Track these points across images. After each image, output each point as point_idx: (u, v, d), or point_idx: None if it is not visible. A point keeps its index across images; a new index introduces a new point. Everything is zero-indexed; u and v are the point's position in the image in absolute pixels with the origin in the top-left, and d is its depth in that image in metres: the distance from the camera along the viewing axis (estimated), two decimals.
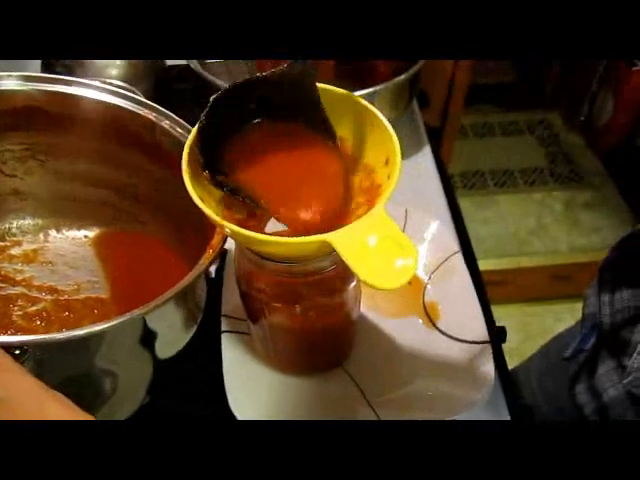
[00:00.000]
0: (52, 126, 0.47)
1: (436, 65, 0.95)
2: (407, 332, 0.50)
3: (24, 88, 0.44)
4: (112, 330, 0.32)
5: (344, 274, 0.39)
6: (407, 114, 0.73)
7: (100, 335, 0.33)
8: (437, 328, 0.50)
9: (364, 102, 0.36)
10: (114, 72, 0.63)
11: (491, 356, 0.46)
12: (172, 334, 0.40)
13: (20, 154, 0.49)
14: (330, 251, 0.31)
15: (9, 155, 0.49)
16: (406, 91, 0.64)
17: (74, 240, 0.54)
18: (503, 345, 0.51)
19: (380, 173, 0.36)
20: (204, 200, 0.32)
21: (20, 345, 0.30)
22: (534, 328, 1.26)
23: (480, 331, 0.48)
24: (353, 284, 0.41)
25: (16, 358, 0.30)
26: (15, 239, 0.52)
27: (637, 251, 0.45)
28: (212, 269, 0.56)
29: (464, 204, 1.56)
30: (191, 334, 0.45)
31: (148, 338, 0.38)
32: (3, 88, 0.44)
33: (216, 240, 0.40)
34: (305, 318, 0.41)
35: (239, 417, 0.44)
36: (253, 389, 0.46)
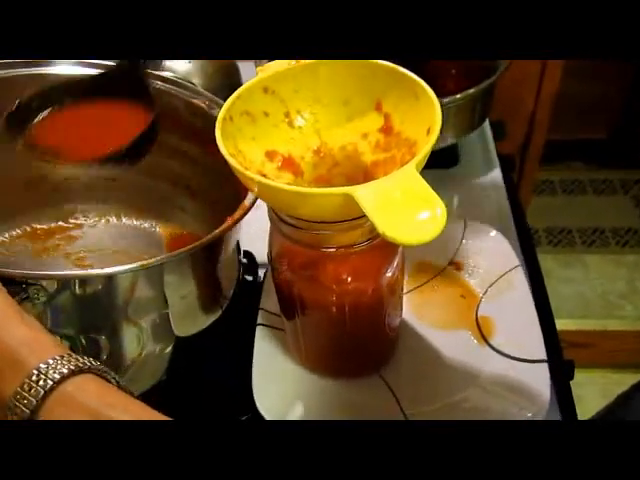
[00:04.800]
0: None
1: (516, 100, 0.92)
2: (455, 345, 0.45)
3: (86, 73, 0.47)
4: (119, 276, 0.32)
5: (379, 257, 0.37)
6: (479, 137, 0.70)
7: (106, 279, 0.33)
8: (489, 344, 0.45)
9: (410, 74, 0.34)
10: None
11: (548, 376, 0.41)
12: (189, 305, 0.39)
13: None
14: (358, 213, 0.29)
15: None
16: (474, 108, 0.62)
17: (135, 228, 0.55)
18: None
19: (421, 145, 0.34)
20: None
21: (21, 277, 0.30)
22: None
23: (537, 350, 0.43)
24: (389, 274, 0.38)
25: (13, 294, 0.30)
26: (77, 222, 0.54)
27: None
28: (260, 274, 0.56)
29: (548, 261, 1.47)
30: (212, 318, 0.44)
31: (163, 299, 0.37)
32: (67, 73, 0.47)
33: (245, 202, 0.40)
34: (337, 308, 0.39)
35: (262, 411, 0.41)
36: (281, 385, 0.43)
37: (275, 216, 0.35)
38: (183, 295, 0.40)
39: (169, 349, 0.40)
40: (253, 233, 0.47)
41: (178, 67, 0.63)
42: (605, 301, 1.37)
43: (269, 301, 0.48)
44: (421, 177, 0.28)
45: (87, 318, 0.35)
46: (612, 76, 1.49)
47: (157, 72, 0.49)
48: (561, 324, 1.48)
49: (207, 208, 0.53)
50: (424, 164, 0.30)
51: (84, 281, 0.34)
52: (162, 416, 0.26)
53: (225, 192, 0.47)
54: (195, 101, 0.48)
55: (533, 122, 0.93)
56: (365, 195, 0.27)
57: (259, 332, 0.46)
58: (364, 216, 0.28)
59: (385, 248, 0.37)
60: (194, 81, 0.66)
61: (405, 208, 0.26)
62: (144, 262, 0.34)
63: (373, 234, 0.35)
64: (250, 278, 0.56)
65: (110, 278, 0.35)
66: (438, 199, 0.26)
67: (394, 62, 0.36)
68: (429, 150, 0.30)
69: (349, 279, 0.37)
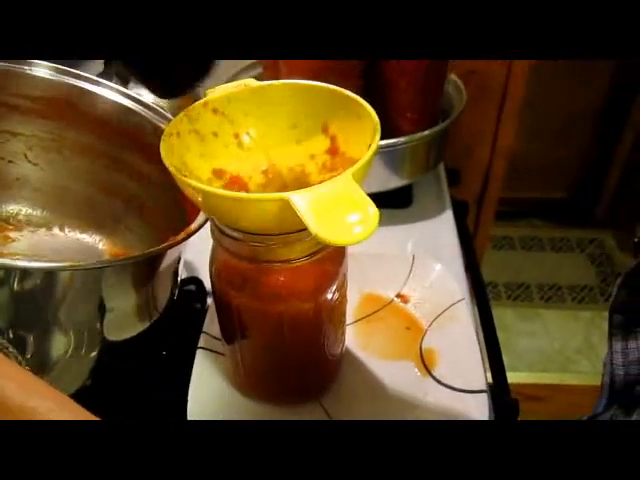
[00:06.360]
0: (79, 123, 0.49)
1: (472, 152, 0.95)
2: (398, 376, 0.45)
3: (59, 79, 0.46)
4: (55, 271, 0.31)
5: (319, 276, 0.37)
6: (434, 180, 0.72)
7: (42, 272, 0.32)
8: (431, 375, 0.45)
9: (352, 95, 0.36)
10: None
11: (486, 407, 0.41)
12: (125, 312, 0.39)
13: (46, 144, 0.50)
14: (298, 225, 0.29)
15: (35, 141, 0.50)
16: (429, 150, 0.64)
17: (77, 242, 0.53)
18: None
19: None
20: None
21: None
22: None
23: (477, 381, 0.43)
24: (330, 295, 0.38)
25: None
26: (19, 225, 0.52)
27: None
28: (209, 302, 0.55)
29: (507, 315, 1.49)
30: (140, 328, 0.43)
31: (96, 304, 0.36)
32: (41, 75, 0.46)
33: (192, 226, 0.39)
34: (275, 328, 0.38)
35: None
36: (217, 411, 0.42)
37: (216, 229, 0.35)
38: (112, 307, 0.39)
39: (95, 353, 0.38)
40: (204, 260, 0.46)
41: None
42: (562, 356, 1.38)
43: (213, 326, 0.47)
44: (357, 184, 0.28)
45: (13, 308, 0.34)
46: (572, 139, 1.57)
47: (127, 90, 0.49)
48: (519, 377, 1.47)
49: (155, 232, 0.52)
50: (363, 176, 0.31)
51: (22, 271, 0.33)
52: (64, 396, 0.25)
53: (175, 219, 0.46)
54: (162, 125, 0.48)
55: (489, 176, 0.96)
56: (300, 199, 0.28)
57: (199, 356, 0.45)
58: (304, 229, 0.28)
59: (326, 267, 0.37)
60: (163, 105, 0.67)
61: (338, 210, 0.27)
62: (83, 262, 0.34)
63: (312, 250, 0.35)
64: (199, 306, 0.55)
65: (48, 274, 0.34)
66: (371, 202, 0.27)
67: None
68: (367, 160, 0.31)
69: (287, 296, 0.36)
